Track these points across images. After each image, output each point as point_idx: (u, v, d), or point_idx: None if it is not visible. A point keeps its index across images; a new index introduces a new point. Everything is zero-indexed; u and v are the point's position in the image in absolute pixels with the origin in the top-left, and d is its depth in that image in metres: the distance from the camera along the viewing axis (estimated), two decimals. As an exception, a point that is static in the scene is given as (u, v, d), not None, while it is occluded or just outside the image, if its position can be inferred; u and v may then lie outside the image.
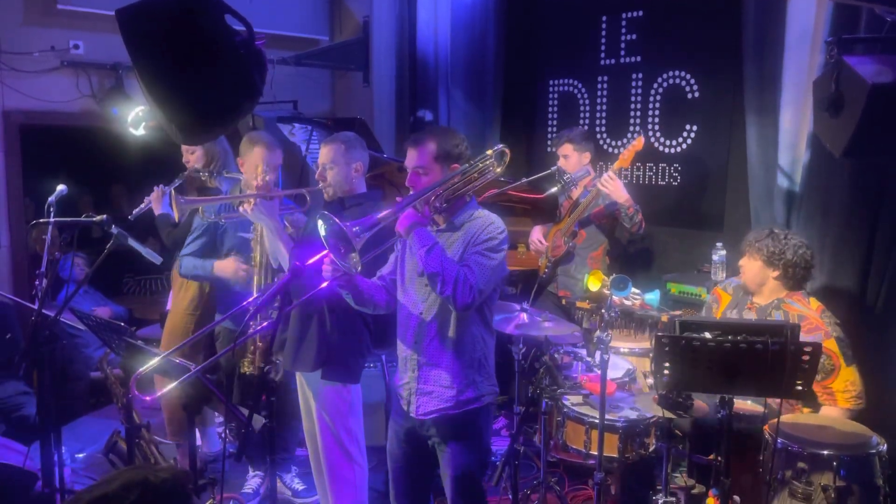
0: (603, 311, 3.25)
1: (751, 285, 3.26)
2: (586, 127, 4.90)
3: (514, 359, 3.55)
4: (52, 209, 3.46)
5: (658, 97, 4.57)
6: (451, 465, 2.61)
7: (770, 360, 2.28)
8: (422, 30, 5.49)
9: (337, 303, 2.97)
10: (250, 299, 3.15)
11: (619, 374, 3.46)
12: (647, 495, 3.27)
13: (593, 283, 3.78)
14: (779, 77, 3.63)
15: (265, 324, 3.08)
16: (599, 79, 4.89)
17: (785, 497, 2.68)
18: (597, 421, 2.98)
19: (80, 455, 4.28)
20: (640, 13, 4.62)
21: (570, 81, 5.10)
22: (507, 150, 2.58)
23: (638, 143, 3.96)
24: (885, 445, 2.69)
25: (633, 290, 3.79)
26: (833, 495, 2.57)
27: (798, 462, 2.65)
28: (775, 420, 2.64)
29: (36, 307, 3.06)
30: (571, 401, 3.29)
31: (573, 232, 4.15)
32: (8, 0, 4.81)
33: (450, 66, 5.40)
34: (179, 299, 4.06)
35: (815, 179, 3.50)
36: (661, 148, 4.58)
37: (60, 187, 3.58)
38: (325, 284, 2.58)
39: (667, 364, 2.40)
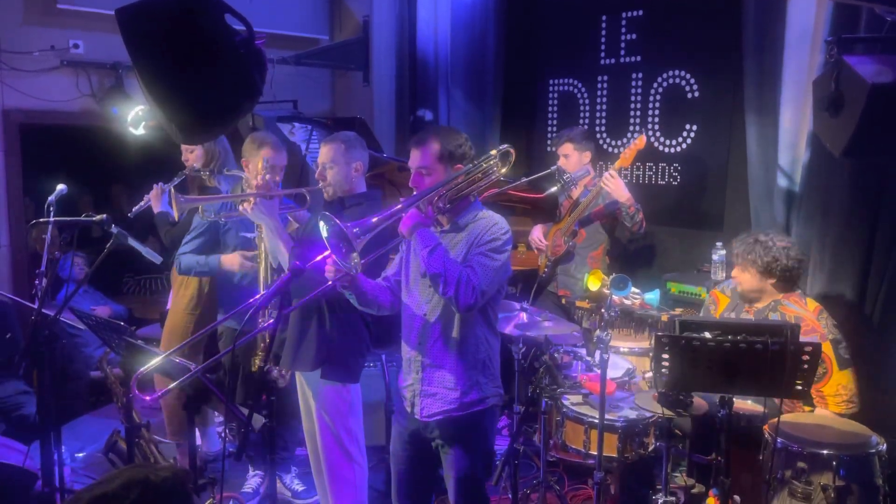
0: (603, 310, 3.25)
1: (749, 295, 3.25)
2: (586, 126, 4.90)
3: (514, 358, 3.55)
4: (51, 208, 3.46)
5: (658, 97, 4.57)
6: (455, 468, 2.59)
7: (770, 360, 2.29)
8: (422, 29, 5.49)
9: (337, 302, 2.97)
10: (255, 298, 3.14)
11: (618, 374, 3.46)
12: (646, 495, 3.27)
13: (593, 282, 3.78)
14: (779, 76, 3.63)
15: (271, 321, 3.07)
16: (599, 78, 4.89)
17: (785, 496, 2.68)
18: (596, 420, 2.98)
19: (80, 454, 4.28)
20: (640, 13, 4.62)
21: (570, 81, 5.10)
22: (512, 150, 2.56)
23: (640, 142, 3.96)
24: (885, 445, 2.70)
25: (633, 289, 3.79)
26: (833, 495, 2.57)
27: (798, 462, 2.66)
28: (775, 420, 2.65)
29: (36, 306, 3.07)
30: (571, 400, 3.29)
31: (573, 231, 4.15)
32: (8, -1, 4.82)
33: (450, 66, 5.40)
34: (179, 298, 4.06)
35: (815, 179, 3.50)
36: (660, 147, 4.58)
37: (60, 187, 3.59)
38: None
39: (666, 363, 2.40)
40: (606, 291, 3.50)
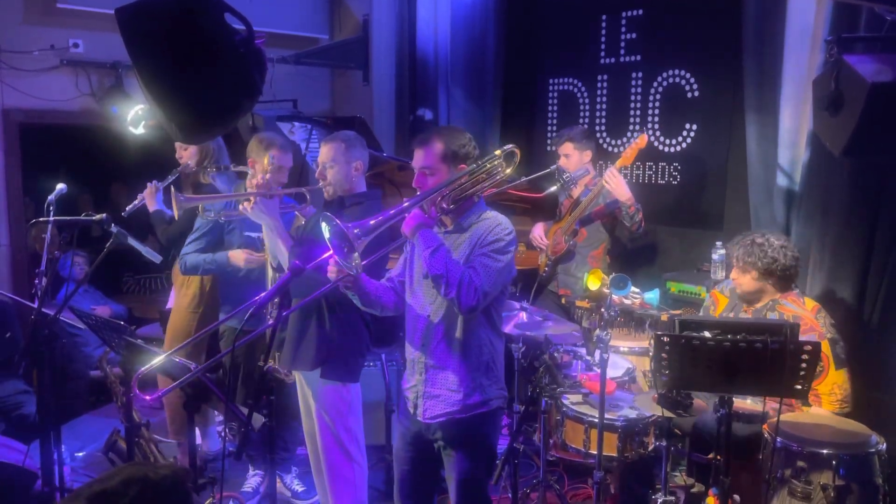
0: (603, 309, 3.25)
1: (749, 296, 3.25)
2: (586, 126, 4.90)
3: (514, 357, 3.55)
4: (51, 208, 3.46)
5: (658, 96, 4.57)
6: (457, 470, 2.59)
7: (769, 359, 2.28)
8: (422, 28, 5.49)
9: (336, 302, 2.97)
10: (255, 297, 3.14)
11: (618, 373, 3.46)
12: (646, 494, 3.27)
13: (593, 281, 3.78)
14: (778, 76, 3.63)
15: (271, 321, 3.06)
16: (599, 78, 4.89)
17: (784, 496, 2.68)
18: (596, 420, 2.99)
19: (80, 454, 4.28)
20: (640, 12, 4.62)
21: (570, 80, 5.10)
22: (517, 151, 2.53)
23: (641, 141, 3.96)
24: (885, 444, 2.70)
25: (633, 288, 3.79)
26: (832, 494, 2.57)
27: (797, 461, 2.66)
28: (775, 419, 2.65)
29: (35, 306, 3.07)
30: (571, 400, 3.29)
31: (574, 230, 4.15)
32: (8, -1, 4.82)
33: (450, 65, 5.40)
34: (181, 297, 4.06)
35: (815, 178, 3.50)
36: (660, 147, 4.58)
37: (60, 186, 3.59)
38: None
39: (666, 363, 2.40)
40: (606, 291, 3.50)
